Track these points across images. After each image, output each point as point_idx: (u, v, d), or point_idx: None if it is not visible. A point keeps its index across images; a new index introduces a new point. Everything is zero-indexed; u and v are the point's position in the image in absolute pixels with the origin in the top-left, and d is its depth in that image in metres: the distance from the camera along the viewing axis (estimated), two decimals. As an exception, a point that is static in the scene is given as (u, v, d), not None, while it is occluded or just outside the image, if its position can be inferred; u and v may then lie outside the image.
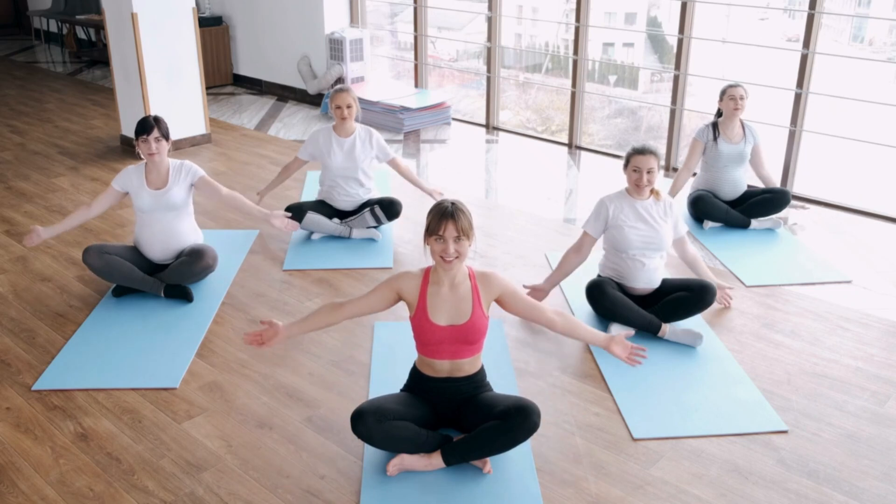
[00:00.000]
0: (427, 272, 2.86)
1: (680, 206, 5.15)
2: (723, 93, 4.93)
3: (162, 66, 6.28)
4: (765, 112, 5.72)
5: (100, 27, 9.75)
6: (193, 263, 4.01)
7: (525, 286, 3.77)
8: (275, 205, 5.33)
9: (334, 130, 4.75)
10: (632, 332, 3.72)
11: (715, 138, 4.93)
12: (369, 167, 4.83)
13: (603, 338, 2.99)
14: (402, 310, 3.89)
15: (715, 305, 3.85)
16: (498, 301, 2.91)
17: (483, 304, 2.85)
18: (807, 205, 5.14)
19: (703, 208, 4.93)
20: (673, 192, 4.94)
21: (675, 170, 6.17)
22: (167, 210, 4.02)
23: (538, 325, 3.82)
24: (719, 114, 5.00)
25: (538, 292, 3.83)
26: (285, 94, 8.43)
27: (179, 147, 6.41)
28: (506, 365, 3.49)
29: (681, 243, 3.87)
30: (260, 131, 7.18)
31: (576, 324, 3.01)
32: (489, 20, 7.02)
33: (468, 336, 2.82)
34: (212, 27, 8.56)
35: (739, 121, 4.96)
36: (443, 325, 2.81)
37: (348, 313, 2.90)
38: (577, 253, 3.83)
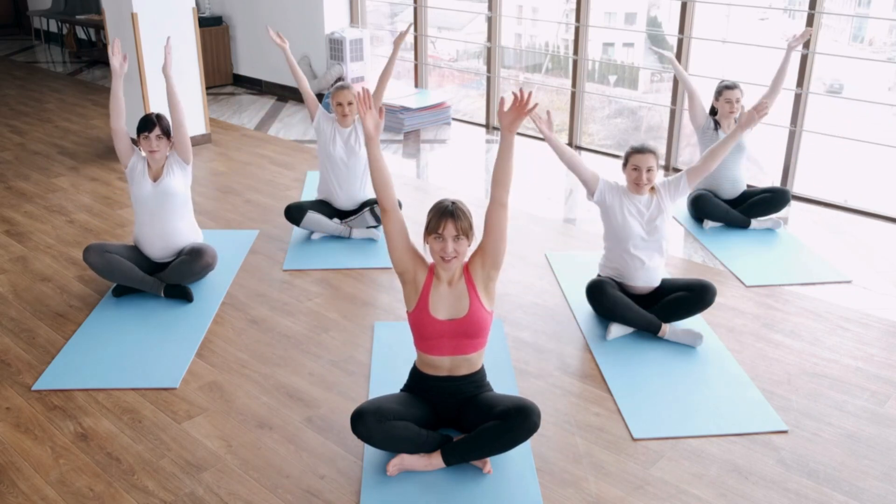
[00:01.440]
0: (432, 267, 2.86)
1: (679, 210, 5.17)
2: (718, 93, 4.92)
3: (162, 66, 6.27)
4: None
5: (100, 27, 9.75)
6: (193, 262, 4.01)
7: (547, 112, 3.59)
8: (275, 205, 5.33)
9: (337, 123, 4.79)
10: (630, 330, 3.76)
11: (715, 128, 4.94)
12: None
13: (502, 136, 2.85)
14: (402, 309, 3.90)
15: (715, 305, 3.83)
16: (487, 262, 2.83)
17: (480, 294, 2.85)
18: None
19: (704, 208, 4.93)
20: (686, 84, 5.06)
21: (675, 169, 6.18)
22: (167, 197, 4.01)
23: (540, 324, 3.83)
24: (713, 111, 5.00)
25: (544, 121, 3.62)
26: (285, 94, 8.43)
27: (179, 147, 6.40)
28: (506, 365, 3.49)
29: (699, 170, 3.77)
30: (260, 131, 7.18)
31: (496, 167, 2.90)
32: (489, 20, 7.02)
33: (468, 329, 2.82)
34: (212, 27, 8.56)
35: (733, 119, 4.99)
36: (442, 318, 2.82)
37: (394, 212, 2.82)
38: (581, 164, 3.75)
